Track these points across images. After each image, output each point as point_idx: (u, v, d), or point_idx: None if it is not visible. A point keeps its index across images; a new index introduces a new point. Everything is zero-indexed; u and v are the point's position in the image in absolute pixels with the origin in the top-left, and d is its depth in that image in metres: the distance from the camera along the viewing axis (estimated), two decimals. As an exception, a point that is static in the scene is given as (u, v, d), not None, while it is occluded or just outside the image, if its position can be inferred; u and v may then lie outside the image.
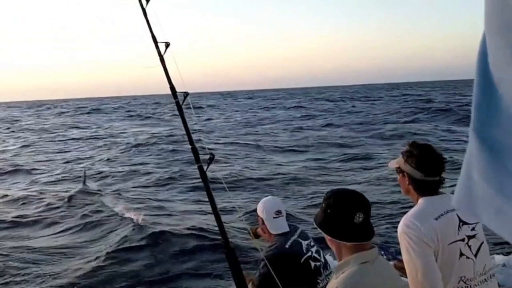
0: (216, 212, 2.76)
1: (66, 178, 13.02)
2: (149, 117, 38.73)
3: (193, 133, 2.80)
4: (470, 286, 2.23)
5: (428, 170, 2.28)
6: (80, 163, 15.28)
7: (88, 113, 47.60)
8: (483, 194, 0.57)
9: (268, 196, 3.20)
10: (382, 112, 31.14)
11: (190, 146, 2.76)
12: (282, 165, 13.38)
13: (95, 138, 23.87)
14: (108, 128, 28.99)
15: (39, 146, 21.50)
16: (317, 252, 2.93)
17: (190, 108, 2.73)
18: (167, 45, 2.67)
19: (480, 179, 0.58)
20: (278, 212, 2.93)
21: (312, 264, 2.83)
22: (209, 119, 33.17)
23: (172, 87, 2.73)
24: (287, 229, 2.93)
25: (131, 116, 39.42)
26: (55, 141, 23.25)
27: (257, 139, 19.96)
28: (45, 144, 22.15)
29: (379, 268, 1.97)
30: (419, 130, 20.93)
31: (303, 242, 2.89)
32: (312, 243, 2.96)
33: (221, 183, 3.18)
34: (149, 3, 2.65)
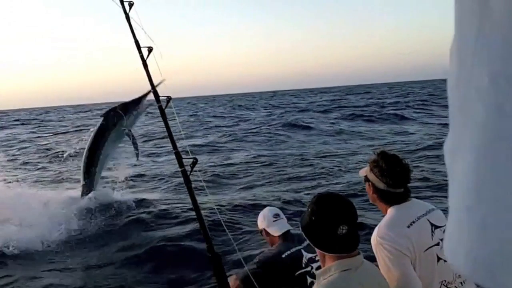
0: (200, 216, 2.77)
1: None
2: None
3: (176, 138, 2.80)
4: None
5: (392, 182, 2.27)
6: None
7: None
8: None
9: (264, 209, 3.17)
10: (317, 116, 30.29)
11: (174, 150, 2.78)
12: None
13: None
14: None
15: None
16: (318, 268, 2.83)
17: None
18: (150, 49, 2.68)
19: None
20: (277, 215, 2.94)
21: (309, 279, 2.74)
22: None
23: (155, 92, 2.74)
24: (288, 228, 2.91)
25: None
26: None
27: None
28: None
29: (363, 275, 1.91)
30: (368, 131, 21.34)
31: (305, 255, 2.80)
32: (316, 258, 2.81)
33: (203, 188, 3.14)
34: (132, 8, 2.67)
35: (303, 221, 2.01)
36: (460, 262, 0.43)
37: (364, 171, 2.43)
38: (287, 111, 34.45)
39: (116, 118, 8.62)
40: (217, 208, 2.92)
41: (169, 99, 2.73)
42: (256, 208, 7.83)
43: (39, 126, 36.75)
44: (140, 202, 8.92)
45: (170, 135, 2.80)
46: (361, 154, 13.80)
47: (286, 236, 2.89)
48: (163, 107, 2.73)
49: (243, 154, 15.11)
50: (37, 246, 6.76)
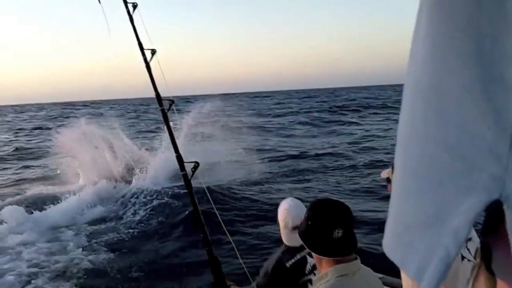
0: (200, 221, 2.75)
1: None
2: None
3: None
4: None
5: None
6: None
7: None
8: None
9: (292, 202, 2.75)
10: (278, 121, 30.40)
11: (175, 154, 2.75)
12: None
13: None
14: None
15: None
16: None
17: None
18: (153, 52, 2.65)
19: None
20: (296, 227, 2.60)
21: (310, 287, 2.60)
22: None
23: (157, 95, 2.71)
24: (300, 243, 2.50)
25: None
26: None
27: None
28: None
29: (359, 281, 1.90)
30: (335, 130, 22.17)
31: (310, 261, 2.63)
32: None
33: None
34: (136, 10, 2.63)
35: (301, 227, 2.02)
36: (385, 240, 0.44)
37: (386, 173, 2.46)
38: (243, 115, 34.19)
39: None
40: (219, 213, 2.86)
41: (172, 102, 2.70)
42: (256, 211, 7.89)
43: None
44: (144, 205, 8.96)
45: (172, 138, 2.77)
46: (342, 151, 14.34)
47: None
48: (166, 111, 2.70)
49: (230, 155, 15.05)
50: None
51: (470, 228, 0.34)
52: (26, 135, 28.13)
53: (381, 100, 46.16)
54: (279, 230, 2.72)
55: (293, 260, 2.63)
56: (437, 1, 0.37)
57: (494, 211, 0.34)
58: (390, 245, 0.41)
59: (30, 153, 18.43)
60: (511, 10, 0.33)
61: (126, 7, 2.64)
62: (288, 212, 2.63)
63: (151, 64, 2.78)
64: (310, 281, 2.61)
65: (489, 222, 0.40)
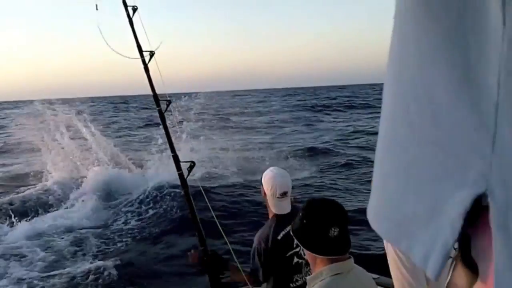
0: (196, 221, 2.82)
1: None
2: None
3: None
4: None
5: None
6: None
7: None
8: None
9: (276, 170, 2.76)
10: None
11: (172, 154, 2.82)
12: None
13: None
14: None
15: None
16: None
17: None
18: (152, 54, 2.70)
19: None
20: (284, 194, 2.65)
21: (295, 260, 2.67)
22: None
23: (155, 95, 2.77)
24: (289, 210, 2.66)
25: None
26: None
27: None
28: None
29: (353, 280, 1.92)
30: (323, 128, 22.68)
31: None
32: None
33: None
34: (136, 13, 2.69)
35: (295, 225, 2.02)
36: (369, 215, 0.51)
37: None
38: (226, 113, 33.77)
39: None
40: (215, 213, 2.92)
41: (169, 102, 2.77)
42: (253, 212, 7.91)
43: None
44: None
45: (169, 138, 2.84)
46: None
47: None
48: (163, 111, 2.77)
49: (221, 154, 15.03)
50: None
51: (463, 220, 0.37)
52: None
53: (361, 98, 47.05)
54: (266, 202, 2.73)
55: (283, 232, 2.65)
56: (422, 10, 0.40)
57: (472, 203, 0.38)
58: (393, 233, 0.45)
59: (4, 151, 18.17)
60: (491, 20, 0.35)
61: (126, 10, 2.69)
62: (274, 180, 2.65)
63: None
64: (296, 254, 2.66)
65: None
